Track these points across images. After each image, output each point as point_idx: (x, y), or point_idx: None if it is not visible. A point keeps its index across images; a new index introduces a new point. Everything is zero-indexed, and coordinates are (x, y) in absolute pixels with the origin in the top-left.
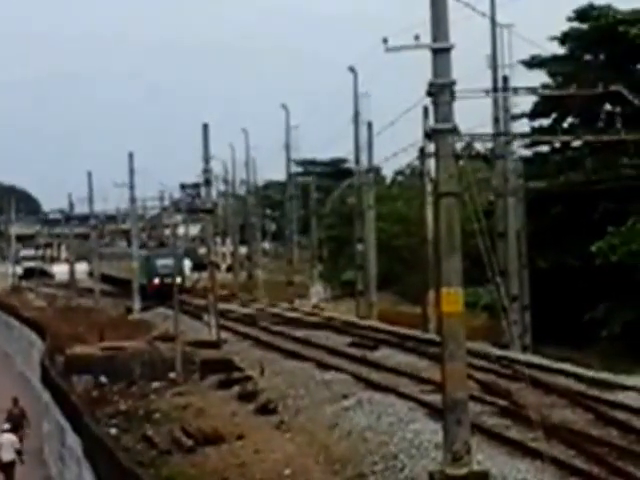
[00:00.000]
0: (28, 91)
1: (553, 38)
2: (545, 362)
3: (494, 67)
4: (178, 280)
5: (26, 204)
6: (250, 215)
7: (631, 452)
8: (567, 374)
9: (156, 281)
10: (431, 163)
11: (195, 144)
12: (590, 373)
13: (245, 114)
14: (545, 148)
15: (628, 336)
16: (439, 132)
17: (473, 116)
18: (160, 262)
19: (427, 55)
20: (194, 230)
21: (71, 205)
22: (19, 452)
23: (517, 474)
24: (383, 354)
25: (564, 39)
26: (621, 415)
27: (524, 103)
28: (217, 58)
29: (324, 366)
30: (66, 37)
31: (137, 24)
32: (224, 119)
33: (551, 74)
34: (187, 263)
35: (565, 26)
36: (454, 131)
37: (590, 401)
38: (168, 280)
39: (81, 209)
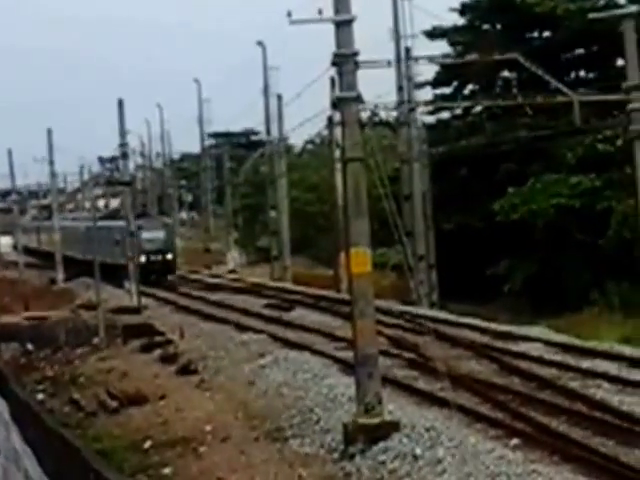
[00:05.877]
0: None
1: (453, 9)
2: (451, 317)
3: (397, 38)
4: (161, 257)
5: None
6: (167, 187)
7: (532, 398)
8: (472, 328)
9: (142, 259)
10: (338, 131)
11: (112, 119)
12: (493, 326)
13: (159, 89)
14: (447, 115)
15: (529, 290)
16: (344, 100)
17: (380, 87)
18: (146, 235)
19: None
20: (115, 203)
21: None
22: None
23: (426, 422)
24: (298, 314)
25: (463, 10)
26: (523, 364)
27: (427, 72)
28: (127, 33)
29: (242, 327)
30: None
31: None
32: (139, 93)
33: (452, 44)
34: None
35: None
36: (358, 99)
37: (494, 352)
38: (157, 258)
39: (2, 185)
